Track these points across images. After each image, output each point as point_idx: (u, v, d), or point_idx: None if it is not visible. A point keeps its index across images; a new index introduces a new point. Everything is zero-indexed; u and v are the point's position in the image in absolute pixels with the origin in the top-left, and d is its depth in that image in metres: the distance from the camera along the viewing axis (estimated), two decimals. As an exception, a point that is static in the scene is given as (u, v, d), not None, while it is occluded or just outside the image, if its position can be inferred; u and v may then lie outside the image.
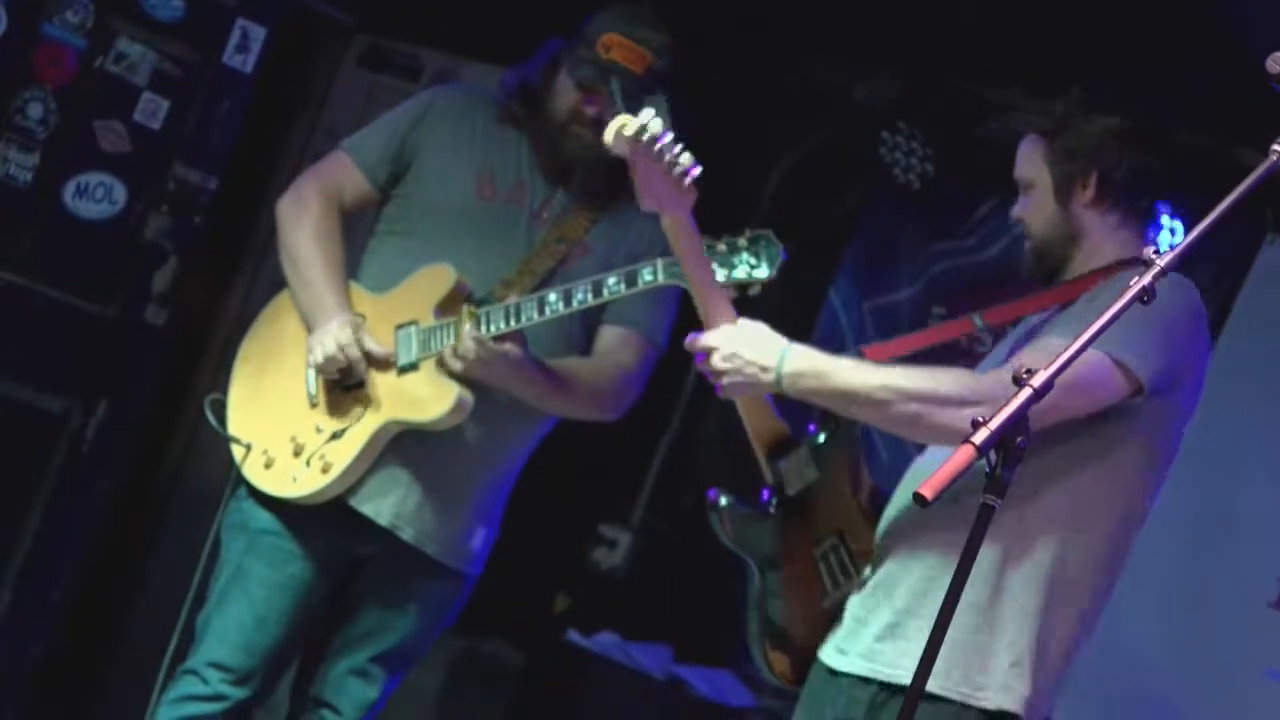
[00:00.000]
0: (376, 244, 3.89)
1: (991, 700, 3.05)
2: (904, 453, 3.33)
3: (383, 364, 3.70)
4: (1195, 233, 2.32)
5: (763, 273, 3.34)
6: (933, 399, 3.04)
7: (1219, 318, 4.28)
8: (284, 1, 5.25)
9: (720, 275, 3.33)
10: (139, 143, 5.01)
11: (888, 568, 3.18)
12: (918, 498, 2.14)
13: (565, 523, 5.18)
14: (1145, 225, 3.27)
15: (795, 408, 3.32)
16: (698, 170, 3.20)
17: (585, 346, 3.81)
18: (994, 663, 3.06)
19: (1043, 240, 3.26)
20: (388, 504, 3.71)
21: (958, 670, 3.04)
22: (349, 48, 5.77)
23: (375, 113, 4.10)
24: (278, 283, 3.94)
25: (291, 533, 3.73)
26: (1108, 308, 2.25)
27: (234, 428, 3.83)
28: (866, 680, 3.15)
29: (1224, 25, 3.94)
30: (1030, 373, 2.24)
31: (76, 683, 5.57)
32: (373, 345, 3.69)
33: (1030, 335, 3.20)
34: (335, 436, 3.70)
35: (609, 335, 3.81)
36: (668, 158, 3.18)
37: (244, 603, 3.72)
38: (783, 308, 4.36)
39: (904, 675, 3.05)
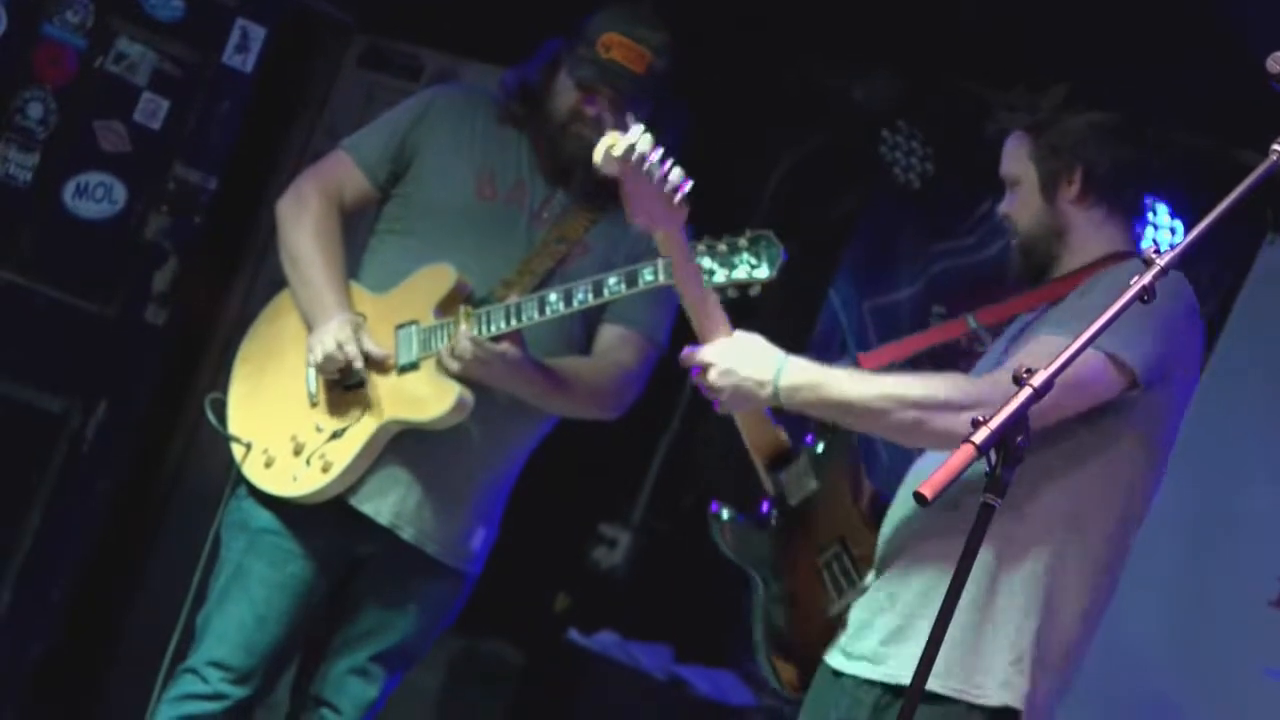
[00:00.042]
0: (376, 243, 3.89)
1: (993, 697, 3.04)
2: (904, 454, 3.33)
3: (382, 364, 3.70)
4: (1195, 232, 2.32)
5: (763, 273, 3.35)
6: (931, 405, 3.04)
7: (1219, 318, 4.27)
8: (284, 1, 5.25)
9: (721, 276, 3.33)
10: (139, 143, 5.01)
11: (891, 572, 3.18)
12: (918, 497, 2.15)
13: (565, 522, 5.18)
14: (1132, 219, 3.28)
15: (793, 417, 3.32)
16: (689, 186, 3.19)
17: (585, 346, 3.81)
18: (995, 661, 3.05)
19: (1029, 236, 3.27)
20: (388, 503, 3.71)
21: (959, 669, 3.03)
22: (349, 48, 5.76)
23: (375, 112, 4.09)
24: (278, 283, 3.94)
25: (292, 532, 3.73)
26: (1100, 302, 2.26)
27: (234, 427, 3.83)
28: (871, 683, 3.14)
29: (1224, 25, 3.95)
30: (1030, 372, 2.24)
31: (76, 683, 5.56)
32: (371, 346, 3.69)
33: (1023, 333, 3.21)
34: (335, 436, 3.70)
35: (609, 334, 3.80)
36: (658, 176, 3.17)
37: (244, 602, 3.72)
38: (783, 308, 4.37)
39: (910, 678, 3.04)
